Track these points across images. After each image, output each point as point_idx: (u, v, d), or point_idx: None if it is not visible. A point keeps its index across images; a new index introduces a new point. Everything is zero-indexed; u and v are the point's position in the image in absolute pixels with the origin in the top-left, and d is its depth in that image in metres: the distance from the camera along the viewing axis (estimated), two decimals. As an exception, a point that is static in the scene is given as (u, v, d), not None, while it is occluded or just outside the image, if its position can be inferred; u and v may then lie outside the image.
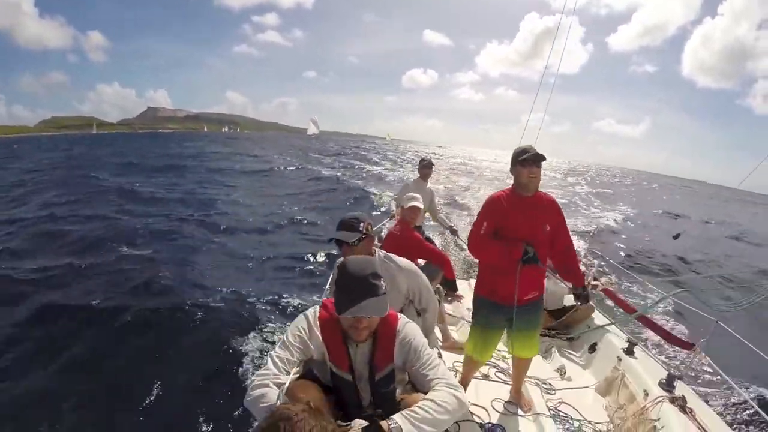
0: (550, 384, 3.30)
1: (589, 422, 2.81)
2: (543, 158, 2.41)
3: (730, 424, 2.63)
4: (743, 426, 2.01)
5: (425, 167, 5.56)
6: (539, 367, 3.55)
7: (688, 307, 3.29)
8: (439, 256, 3.99)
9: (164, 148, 48.88)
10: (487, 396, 2.95)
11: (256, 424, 1.40)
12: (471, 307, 4.36)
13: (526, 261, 2.43)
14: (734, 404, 3.82)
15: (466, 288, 4.94)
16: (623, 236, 14.50)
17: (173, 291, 6.35)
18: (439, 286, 3.82)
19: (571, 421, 2.83)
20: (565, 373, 3.53)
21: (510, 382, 3.08)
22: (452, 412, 1.47)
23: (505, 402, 2.92)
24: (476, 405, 2.79)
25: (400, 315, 1.76)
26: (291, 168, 27.83)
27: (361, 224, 2.32)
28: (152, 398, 4.09)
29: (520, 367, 2.89)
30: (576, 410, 2.95)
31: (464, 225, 10.18)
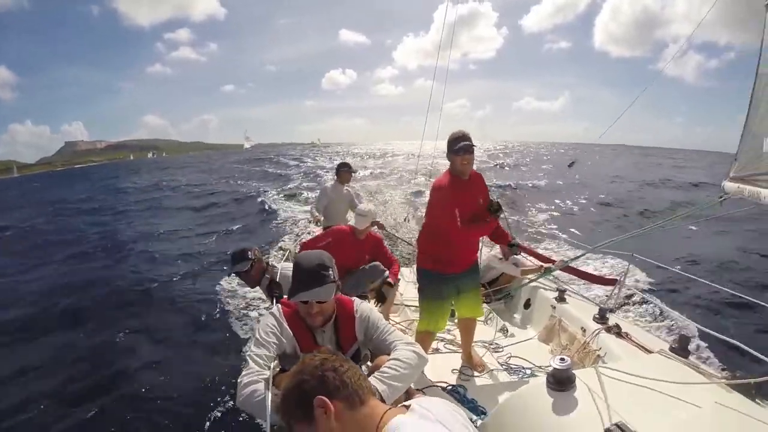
0: (496, 344, 3.38)
1: (540, 367, 2.90)
2: (473, 147, 2.59)
3: (662, 336, 2.86)
4: (673, 335, 2.20)
5: (344, 171, 5.41)
6: (483, 331, 3.63)
7: (605, 251, 3.54)
8: (391, 259, 3.96)
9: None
10: (441, 367, 2.98)
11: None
12: (404, 293, 4.40)
13: (494, 212, 2.72)
14: (661, 318, 4.25)
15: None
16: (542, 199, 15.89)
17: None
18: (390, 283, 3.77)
19: (523, 370, 2.91)
20: (507, 331, 3.66)
21: (459, 350, 3.17)
22: (415, 365, 1.64)
23: (460, 368, 3.00)
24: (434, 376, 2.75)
25: (353, 298, 1.94)
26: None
27: (249, 252, 2.86)
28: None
29: (468, 330, 3.03)
30: (525, 360, 3.05)
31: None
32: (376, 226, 3.70)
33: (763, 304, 2.31)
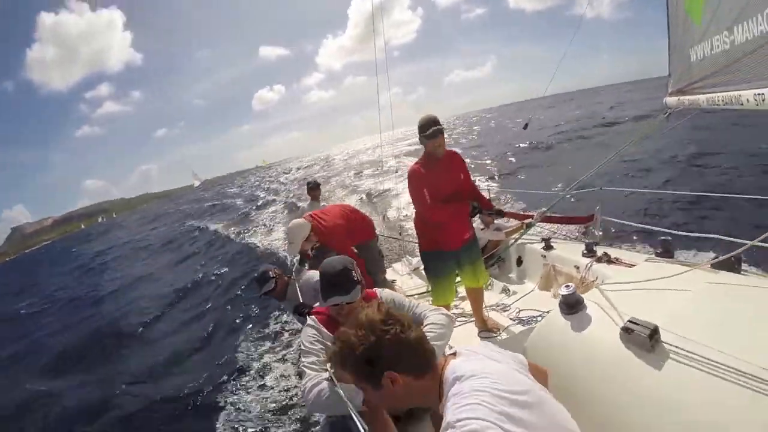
0: (503, 304, 3.52)
1: (548, 311, 3.04)
2: (442, 131, 2.76)
3: (649, 252, 3.06)
4: (657, 248, 2.40)
5: (313, 189, 5.72)
6: (487, 297, 3.76)
7: (575, 192, 3.74)
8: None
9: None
10: (461, 339, 3.07)
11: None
12: (402, 285, 4.53)
13: (473, 214, 2.98)
14: (641, 235, 4.52)
15: (391, 274, 5.02)
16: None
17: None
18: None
19: (534, 318, 3.05)
20: (509, 291, 3.84)
21: (472, 320, 3.30)
22: (447, 324, 1.88)
23: (478, 334, 3.14)
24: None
25: (374, 288, 2.12)
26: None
27: (270, 272, 3.15)
28: None
29: (476, 299, 3.20)
30: (534, 309, 3.19)
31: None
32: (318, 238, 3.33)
33: (722, 195, 2.55)
